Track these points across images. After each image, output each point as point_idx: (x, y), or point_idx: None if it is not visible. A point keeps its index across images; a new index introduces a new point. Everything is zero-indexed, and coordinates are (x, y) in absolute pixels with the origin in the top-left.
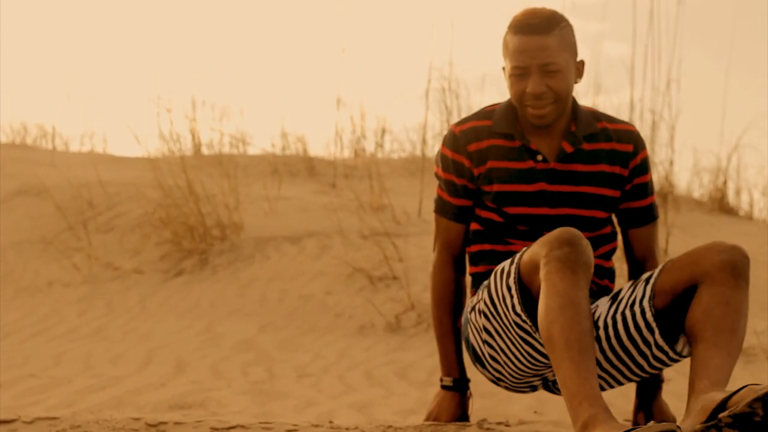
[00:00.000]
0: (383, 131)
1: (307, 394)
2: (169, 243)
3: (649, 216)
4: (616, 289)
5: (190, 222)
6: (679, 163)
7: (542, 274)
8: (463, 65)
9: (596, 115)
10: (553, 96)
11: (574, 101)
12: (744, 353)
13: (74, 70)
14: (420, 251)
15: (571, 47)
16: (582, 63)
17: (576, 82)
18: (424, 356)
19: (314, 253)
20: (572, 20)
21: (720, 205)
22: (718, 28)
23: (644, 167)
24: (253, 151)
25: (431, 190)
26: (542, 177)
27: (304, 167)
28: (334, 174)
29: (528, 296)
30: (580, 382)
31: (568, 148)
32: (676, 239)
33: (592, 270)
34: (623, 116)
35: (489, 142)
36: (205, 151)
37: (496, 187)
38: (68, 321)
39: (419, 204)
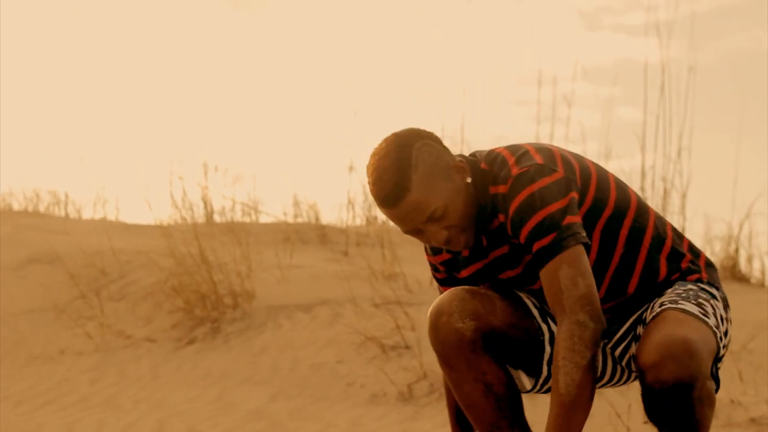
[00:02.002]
0: None
1: None
2: (181, 311)
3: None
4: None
5: (202, 290)
6: (690, 230)
7: None
8: (475, 131)
9: (490, 189)
10: (456, 229)
11: (471, 191)
12: (756, 422)
13: (87, 135)
14: None
15: (434, 176)
16: (457, 164)
17: (465, 182)
18: (437, 426)
19: (326, 322)
20: (584, 85)
21: (732, 273)
22: (729, 95)
23: (517, 224)
24: (265, 218)
25: None
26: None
27: (316, 235)
28: (346, 242)
29: None
30: None
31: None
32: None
33: (473, 328)
34: (634, 184)
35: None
36: (217, 218)
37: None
38: (80, 389)
39: (431, 272)
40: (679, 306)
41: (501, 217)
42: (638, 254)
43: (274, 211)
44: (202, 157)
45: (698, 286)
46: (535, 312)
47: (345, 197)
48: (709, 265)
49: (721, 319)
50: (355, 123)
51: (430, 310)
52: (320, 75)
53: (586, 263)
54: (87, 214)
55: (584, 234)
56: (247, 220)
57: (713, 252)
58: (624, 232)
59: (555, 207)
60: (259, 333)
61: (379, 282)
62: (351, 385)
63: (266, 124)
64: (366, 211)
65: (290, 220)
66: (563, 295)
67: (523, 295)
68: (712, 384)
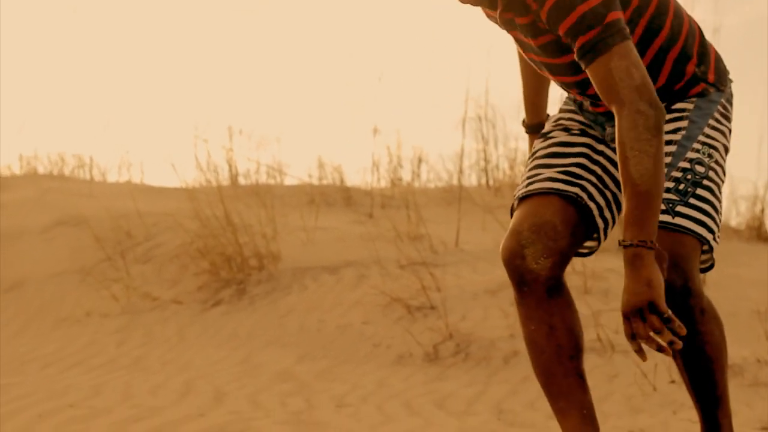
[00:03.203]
0: (420, 160)
1: (346, 424)
2: (207, 273)
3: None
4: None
5: (227, 252)
6: None
7: None
8: (500, 94)
9: None
10: None
11: None
12: None
13: (111, 100)
14: (457, 280)
15: None
16: None
17: None
18: (463, 386)
19: (352, 283)
20: None
21: (758, 233)
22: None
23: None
24: (289, 181)
25: (468, 219)
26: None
27: (341, 197)
28: (371, 204)
29: None
30: (557, 420)
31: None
32: (713, 268)
33: (554, 261)
34: None
35: None
36: (242, 181)
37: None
38: (107, 352)
39: (456, 233)
40: (675, 225)
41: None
42: (645, 53)
43: (298, 173)
44: (227, 120)
45: (696, 139)
46: (591, 189)
47: (370, 160)
48: (719, 60)
49: (717, 164)
50: (380, 87)
51: (502, 246)
52: (345, 38)
53: (637, 55)
54: (112, 178)
55: (628, 30)
56: (271, 182)
57: (739, 213)
58: (638, 30)
59: (595, 1)
60: (284, 295)
61: (404, 243)
62: (377, 346)
63: (291, 88)
64: (391, 173)
65: (315, 182)
66: (619, 86)
67: (575, 167)
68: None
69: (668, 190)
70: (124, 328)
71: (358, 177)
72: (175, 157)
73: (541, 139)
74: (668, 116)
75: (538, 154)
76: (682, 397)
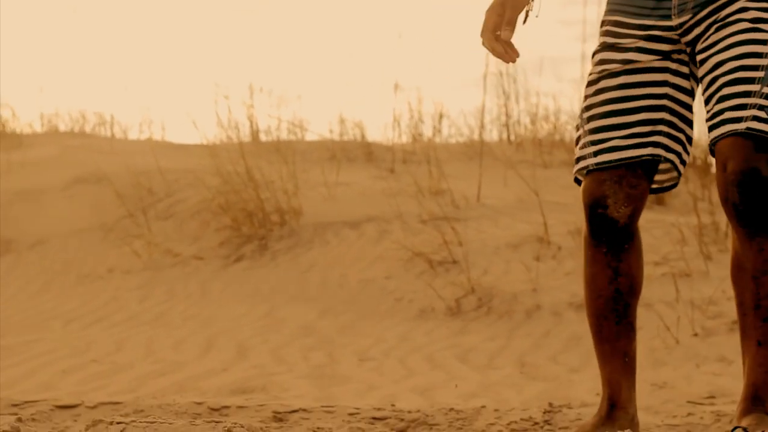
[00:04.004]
0: (441, 116)
1: (369, 378)
2: (228, 229)
3: None
4: None
5: (249, 208)
6: None
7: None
8: (521, 49)
9: None
10: None
11: None
12: None
13: (132, 58)
14: (479, 235)
15: None
16: None
17: None
18: (485, 339)
19: (373, 238)
20: None
21: None
22: None
23: None
24: (310, 137)
25: (490, 174)
26: None
27: (362, 153)
28: (392, 159)
29: None
30: (599, 365)
31: None
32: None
33: (628, 219)
34: None
35: None
36: (263, 137)
37: None
38: (129, 307)
39: (478, 188)
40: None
41: None
42: None
43: (319, 130)
44: (248, 78)
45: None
46: (664, 140)
47: (391, 116)
48: None
49: None
50: (401, 43)
51: (586, 192)
52: None
53: None
54: (133, 135)
55: None
56: (292, 138)
57: None
58: None
59: None
60: (306, 250)
61: (425, 198)
62: (399, 301)
63: (311, 45)
64: (412, 128)
65: (336, 138)
66: None
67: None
68: None
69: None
70: (146, 284)
71: (379, 133)
72: (196, 114)
73: (591, 89)
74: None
75: (594, 112)
76: (705, 350)
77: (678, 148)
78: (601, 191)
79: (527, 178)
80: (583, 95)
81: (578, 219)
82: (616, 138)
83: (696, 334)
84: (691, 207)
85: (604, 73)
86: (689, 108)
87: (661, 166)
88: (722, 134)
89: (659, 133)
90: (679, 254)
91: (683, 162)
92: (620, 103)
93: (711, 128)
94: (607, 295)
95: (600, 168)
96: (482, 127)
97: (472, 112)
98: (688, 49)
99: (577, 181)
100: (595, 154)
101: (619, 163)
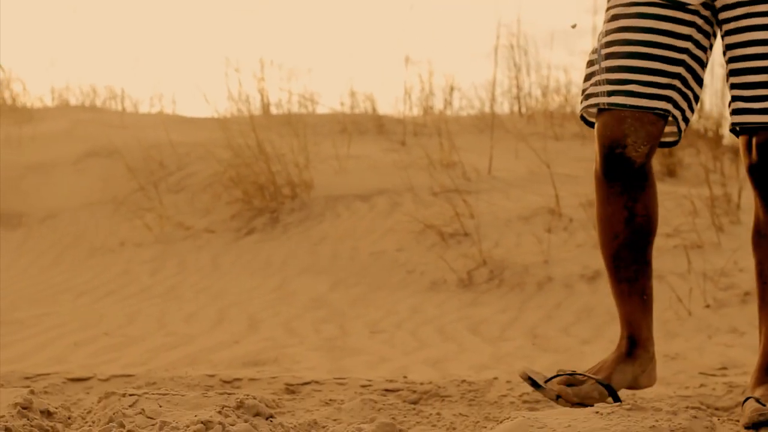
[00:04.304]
0: (452, 89)
1: (380, 350)
2: (239, 202)
3: None
4: None
5: (260, 181)
6: None
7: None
8: (532, 21)
9: None
10: None
11: None
12: None
13: (142, 31)
14: (491, 207)
15: None
16: None
17: None
18: (497, 312)
19: (385, 211)
20: None
21: None
22: None
23: None
24: (321, 110)
25: (501, 147)
26: None
27: (373, 125)
28: (403, 132)
29: None
30: (617, 306)
31: None
32: (750, 193)
33: (644, 160)
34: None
35: None
36: (273, 110)
37: None
38: (141, 280)
39: (489, 161)
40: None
41: None
42: None
43: (330, 103)
44: (258, 51)
45: None
46: (675, 95)
47: (402, 89)
48: None
49: None
50: (412, 16)
51: (604, 131)
52: None
53: None
54: (144, 109)
55: None
56: (303, 111)
57: None
58: None
59: None
60: (317, 223)
61: (437, 171)
62: (411, 273)
63: (322, 18)
64: (423, 101)
65: (347, 111)
66: None
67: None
68: None
69: None
70: (157, 258)
71: (390, 106)
72: (206, 88)
73: (615, 24)
74: None
75: (616, 50)
76: (717, 321)
77: (684, 105)
78: (621, 130)
79: (538, 151)
80: (603, 28)
81: (590, 191)
82: (634, 83)
83: (708, 306)
84: (703, 179)
85: (631, 11)
86: (704, 66)
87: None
88: (756, 123)
89: (673, 87)
90: (690, 226)
91: (686, 120)
92: (644, 47)
93: (743, 112)
94: (624, 236)
95: (617, 106)
96: (493, 99)
97: (483, 84)
98: (715, 4)
99: (584, 119)
100: (609, 94)
101: (629, 109)
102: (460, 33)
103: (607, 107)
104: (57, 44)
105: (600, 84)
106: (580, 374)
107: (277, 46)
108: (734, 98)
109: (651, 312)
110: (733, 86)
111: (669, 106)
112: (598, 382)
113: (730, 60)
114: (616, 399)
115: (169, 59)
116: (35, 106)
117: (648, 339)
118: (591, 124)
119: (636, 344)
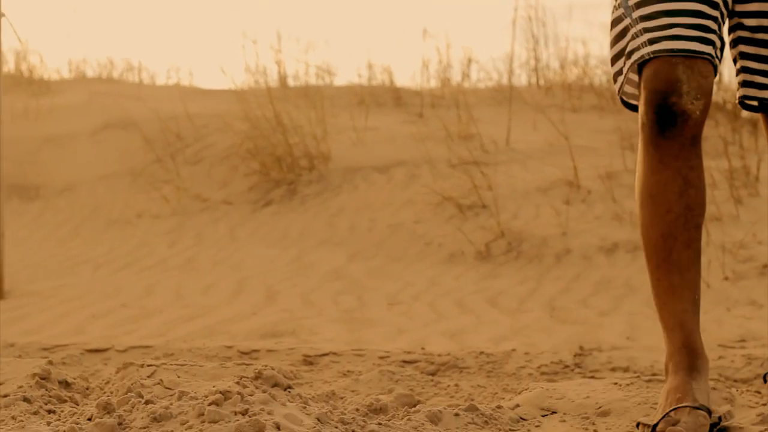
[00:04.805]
0: (469, 61)
1: (398, 321)
2: (257, 174)
3: None
4: None
5: (277, 153)
6: None
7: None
8: None
9: None
10: None
11: None
12: None
13: (159, 3)
14: (509, 179)
15: None
16: None
17: None
18: (515, 284)
19: (403, 183)
20: None
21: None
22: None
23: None
24: (339, 82)
25: (519, 118)
26: None
27: (390, 98)
28: (420, 104)
29: None
30: (662, 303)
31: None
32: None
33: (698, 119)
34: None
35: None
36: (291, 82)
37: None
38: (158, 252)
39: (507, 132)
40: None
41: None
42: None
43: (348, 74)
44: (276, 24)
45: None
46: (715, 39)
47: (419, 61)
48: None
49: None
50: None
51: (656, 79)
52: None
53: None
54: (161, 81)
55: None
56: (321, 83)
57: None
58: None
59: None
60: (335, 194)
61: (455, 143)
62: (428, 245)
63: None
64: (440, 73)
65: (364, 83)
66: None
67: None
68: None
69: None
70: (175, 229)
71: (407, 78)
72: (223, 60)
73: None
74: None
75: None
76: (736, 294)
77: (720, 54)
78: (675, 75)
79: (556, 123)
80: None
81: (608, 163)
82: (678, 26)
83: (727, 278)
84: (722, 150)
85: None
86: (724, 18)
87: None
88: None
89: (715, 32)
90: (709, 198)
91: (715, 72)
92: None
93: (758, 86)
94: (678, 210)
95: (664, 52)
96: (511, 71)
97: (500, 57)
98: None
99: (624, 102)
100: (651, 42)
101: (680, 55)
102: (478, 5)
103: (651, 56)
104: (74, 16)
105: (638, 36)
106: (671, 411)
107: (295, 18)
108: (751, 71)
109: (698, 314)
110: (747, 57)
111: (715, 52)
112: (694, 407)
113: (746, 30)
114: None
115: (186, 31)
116: (52, 78)
117: (702, 345)
118: (631, 107)
119: (696, 355)
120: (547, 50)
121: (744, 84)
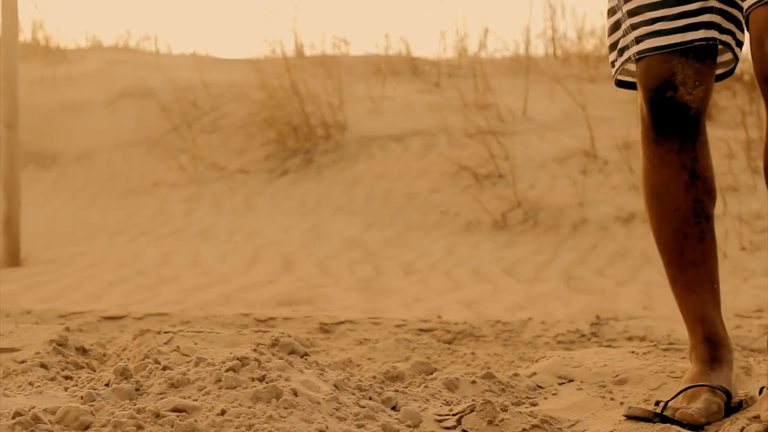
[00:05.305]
0: (486, 31)
1: (415, 290)
2: (273, 143)
3: None
4: None
5: (294, 122)
6: None
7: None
8: None
9: None
10: None
11: None
12: None
13: None
14: (525, 149)
15: None
16: None
17: None
18: (531, 253)
19: (419, 152)
20: None
21: None
22: None
23: None
24: (355, 51)
25: (536, 89)
26: None
27: (407, 67)
28: (437, 73)
29: None
30: (680, 299)
31: None
32: None
33: (698, 110)
34: None
35: None
36: (307, 52)
37: None
38: (175, 221)
39: (524, 102)
40: None
41: None
42: None
43: (364, 44)
44: None
45: None
46: (717, 18)
47: (436, 31)
48: None
49: None
50: None
51: (648, 74)
52: None
53: None
54: (177, 50)
55: None
56: (337, 53)
57: None
58: None
59: None
60: (352, 163)
61: (471, 112)
62: (445, 214)
63: None
64: (458, 43)
65: (381, 52)
66: None
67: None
68: None
69: None
70: (191, 198)
71: (424, 47)
72: (240, 29)
73: None
74: None
75: None
76: (753, 264)
77: (731, 25)
78: (668, 68)
79: (574, 93)
80: None
81: (625, 133)
82: (661, 20)
83: (744, 248)
84: (739, 121)
85: None
86: None
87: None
88: (757, 2)
89: (709, 10)
90: (726, 168)
91: (739, 43)
92: None
93: None
94: (686, 206)
95: (649, 52)
96: (528, 41)
97: (518, 27)
98: None
99: (621, 83)
100: (638, 40)
101: (667, 51)
102: None
103: (638, 57)
104: None
105: (628, 32)
106: (688, 388)
107: None
108: None
109: (720, 302)
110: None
111: (712, 33)
112: (712, 387)
113: None
114: (736, 405)
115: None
116: (69, 47)
117: (725, 336)
118: (630, 85)
119: (717, 346)
120: (564, 21)
121: None
